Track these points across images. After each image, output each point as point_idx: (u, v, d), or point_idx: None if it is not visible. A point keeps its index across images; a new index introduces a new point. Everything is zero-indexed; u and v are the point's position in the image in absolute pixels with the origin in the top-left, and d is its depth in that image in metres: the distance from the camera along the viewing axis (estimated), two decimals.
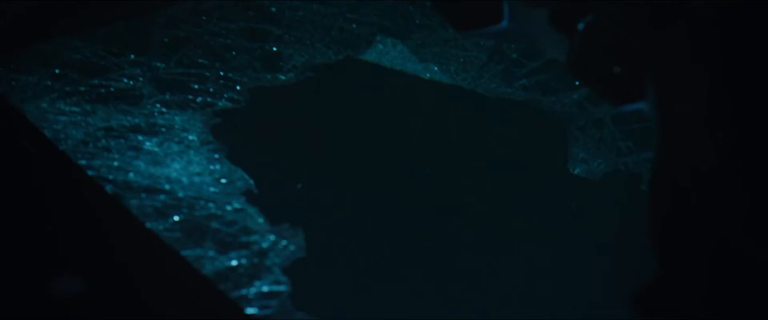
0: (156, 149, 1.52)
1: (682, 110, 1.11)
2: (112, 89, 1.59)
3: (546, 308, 1.39)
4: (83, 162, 1.46)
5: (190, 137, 1.55)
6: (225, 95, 1.63)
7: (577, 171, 1.61)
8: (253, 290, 1.33)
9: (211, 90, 1.63)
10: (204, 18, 1.73)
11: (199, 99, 1.61)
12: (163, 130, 1.55)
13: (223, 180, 1.49)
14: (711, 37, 1.10)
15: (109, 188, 1.42)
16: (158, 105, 1.58)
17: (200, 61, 1.67)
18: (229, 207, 1.44)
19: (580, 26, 1.25)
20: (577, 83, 1.67)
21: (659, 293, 1.12)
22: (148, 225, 1.37)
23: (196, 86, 1.63)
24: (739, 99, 1.08)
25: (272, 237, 1.40)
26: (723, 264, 1.05)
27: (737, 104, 1.08)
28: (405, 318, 1.35)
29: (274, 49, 1.71)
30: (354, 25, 1.77)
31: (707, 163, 1.07)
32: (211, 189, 1.47)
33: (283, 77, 1.68)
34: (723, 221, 1.05)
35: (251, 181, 1.50)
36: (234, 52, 1.69)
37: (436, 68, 1.72)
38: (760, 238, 1.05)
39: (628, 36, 1.23)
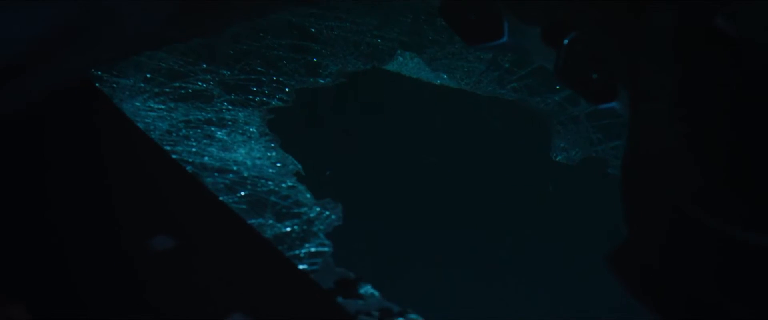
0: (225, 138, 1.52)
1: (648, 108, 1.12)
2: (189, 90, 1.60)
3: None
4: (168, 147, 1.47)
5: (251, 129, 1.55)
6: (277, 96, 1.63)
7: (558, 158, 1.60)
8: (303, 251, 1.33)
9: (266, 91, 1.63)
10: (260, 35, 1.72)
11: (257, 99, 1.61)
12: (230, 123, 1.55)
13: (278, 164, 1.49)
14: (669, 54, 1.11)
15: (189, 168, 1.43)
16: (225, 103, 1.59)
17: (257, 68, 1.67)
18: (283, 185, 1.45)
19: (565, 41, 1.26)
20: (557, 87, 1.66)
21: (627, 252, 1.13)
22: (220, 198, 1.37)
23: (254, 88, 1.63)
24: (690, 100, 1.09)
25: (317, 209, 1.41)
26: (678, 228, 1.06)
27: (690, 104, 1.09)
28: (423, 272, 1.35)
29: (315, 60, 1.71)
30: (379, 41, 1.76)
31: (665, 147, 1.08)
32: (269, 170, 1.47)
33: (322, 82, 1.68)
34: (678, 193, 1.06)
35: (299, 165, 1.50)
36: (284, 62, 1.69)
37: (445, 76, 1.71)
38: (706, 206, 1.05)
39: (603, 50, 1.25)
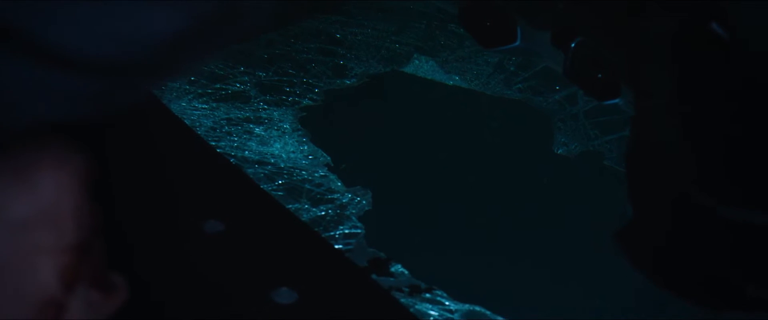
0: (262, 134, 1.54)
1: (650, 104, 1.14)
2: (229, 91, 1.62)
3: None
4: (213, 142, 1.49)
5: (285, 126, 1.57)
6: (307, 96, 1.65)
7: (559, 151, 1.63)
8: (337, 232, 1.35)
9: (297, 92, 1.65)
10: (292, 40, 1.74)
11: (289, 98, 1.63)
12: (266, 120, 1.58)
13: (310, 157, 1.51)
14: (668, 56, 1.13)
15: (232, 160, 1.45)
16: (261, 103, 1.61)
17: (289, 71, 1.69)
18: (316, 174, 1.47)
19: (572, 45, 1.29)
20: (557, 88, 1.69)
21: (634, 232, 1.15)
22: (261, 186, 1.39)
23: (287, 89, 1.65)
24: (688, 97, 1.11)
25: (349, 195, 1.43)
26: (679, 209, 1.08)
27: (687, 101, 1.11)
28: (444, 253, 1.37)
29: (341, 62, 1.73)
30: (397, 46, 1.78)
31: (665, 138, 1.10)
32: (303, 162, 1.50)
33: (347, 82, 1.70)
34: (678, 178, 1.08)
35: (328, 158, 1.52)
36: (313, 65, 1.71)
37: (457, 77, 1.73)
38: (705, 188, 1.06)
39: (606, 52, 1.27)
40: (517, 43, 1.33)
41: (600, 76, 1.26)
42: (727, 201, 1.06)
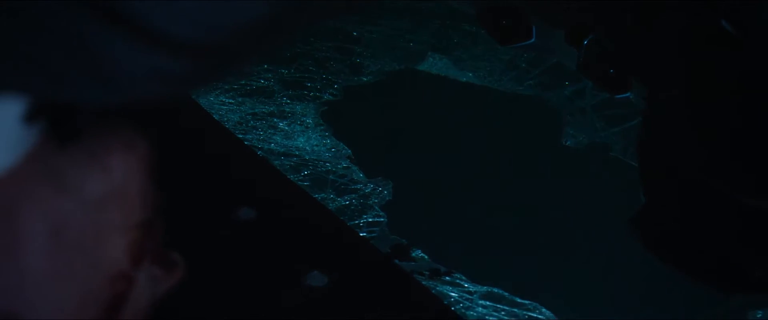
0: (286, 128, 1.56)
1: (662, 96, 1.15)
2: (254, 87, 1.63)
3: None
4: (240, 135, 1.51)
5: (308, 120, 1.59)
6: (327, 91, 1.66)
7: (568, 143, 1.64)
8: (362, 221, 1.37)
9: (318, 87, 1.66)
10: (312, 39, 1.76)
11: (311, 94, 1.65)
12: (290, 115, 1.59)
13: (333, 150, 1.53)
14: (680, 51, 1.15)
15: (259, 153, 1.47)
16: (284, 98, 1.62)
17: (310, 68, 1.70)
18: (340, 166, 1.48)
19: (585, 42, 1.30)
20: (567, 83, 1.70)
21: (646, 217, 1.16)
22: (289, 177, 1.41)
23: (309, 85, 1.66)
24: (698, 89, 1.13)
25: (371, 186, 1.44)
26: (690, 194, 1.10)
27: (698, 93, 1.13)
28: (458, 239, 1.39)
29: (358, 60, 1.74)
30: (411, 44, 1.80)
31: (677, 128, 1.11)
32: (326, 154, 1.51)
33: (365, 79, 1.72)
34: (688, 166, 1.09)
35: (349, 150, 1.53)
36: (332, 62, 1.72)
37: (470, 74, 1.74)
38: (716, 176, 1.07)
39: (618, 48, 1.29)
40: (533, 40, 1.35)
41: (612, 71, 1.28)
42: (737, 188, 1.08)
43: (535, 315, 1.28)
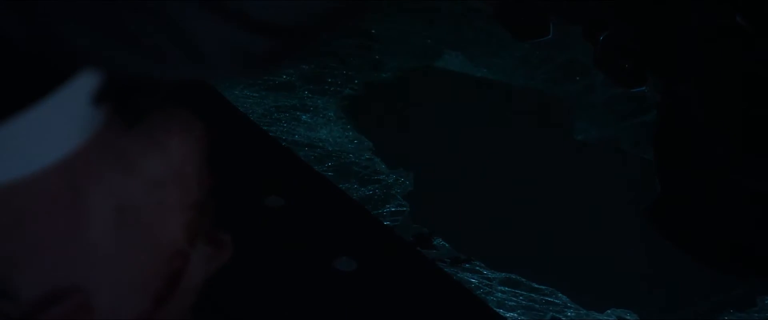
0: (309, 121, 1.57)
1: (678, 89, 1.17)
2: (277, 82, 1.64)
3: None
4: (265, 128, 1.52)
5: (329, 113, 1.60)
6: (348, 86, 1.67)
7: (579, 136, 1.65)
8: (385, 210, 1.38)
9: (339, 82, 1.67)
10: (332, 38, 1.77)
11: (331, 89, 1.65)
12: (312, 108, 1.60)
13: (355, 141, 1.54)
14: (697, 45, 1.16)
15: (284, 144, 1.48)
16: (306, 92, 1.63)
17: (331, 64, 1.71)
18: (362, 157, 1.49)
19: (601, 38, 1.32)
20: (577, 79, 1.70)
21: (663, 206, 1.18)
22: (314, 167, 1.42)
23: (330, 80, 1.67)
24: (714, 81, 1.14)
25: (394, 176, 1.45)
26: (707, 184, 1.11)
27: (713, 85, 1.14)
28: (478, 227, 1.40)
29: (377, 57, 1.75)
30: (429, 41, 1.81)
31: (693, 119, 1.13)
32: (349, 145, 1.52)
33: (384, 75, 1.72)
34: (705, 156, 1.11)
35: (370, 143, 1.54)
36: (352, 58, 1.73)
37: (485, 70, 1.75)
38: (732, 164, 1.08)
39: (633, 43, 1.30)
40: (550, 36, 1.36)
41: (627, 65, 1.29)
42: (752, 176, 1.09)
43: (551, 299, 1.29)
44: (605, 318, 1.27)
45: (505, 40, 1.71)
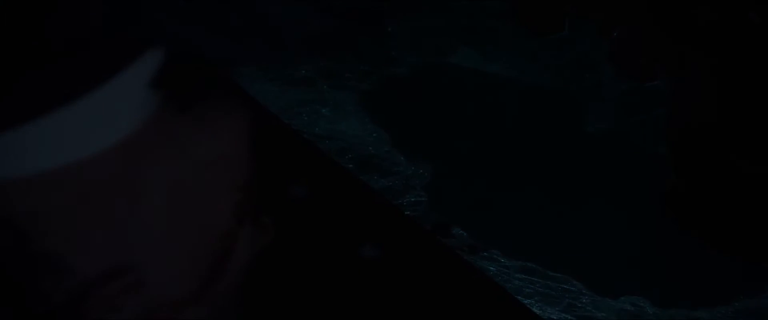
0: (329, 114, 1.57)
1: (691, 84, 1.17)
2: (296, 77, 1.65)
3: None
4: (287, 120, 1.52)
5: (348, 108, 1.60)
6: (366, 81, 1.67)
7: (589, 129, 1.65)
8: (405, 201, 1.39)
9: (357, 77, 1.68)
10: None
11: (350, 83, 1.66)
12: (331, 102, 1.61)
13: (374, 134, 1.54)
14: (710, 42, 1.17)
15: (306, 136, 1.48)
16: (325, 87, 1.64)
17: (349, 60, 1.71)
18: (382, 150, 1.50)
19: (615, 34, 1.32)
20: (588, 74, 1.71)
21: (678, 197, 1.18)
22: (334, 158, 1.43)
23: (348, 75, 1.67)
24: (726, 76, 1.15)
25: (412, 168, 1.46)
26: (721, 174, 1.12)
27: (726, 79, 1.15)
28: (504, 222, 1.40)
29: (393, 53, 1.75)
30: (443, 38, 1.80)
31: (706, 112, 1.13)
32: (368, 138, 1.53)
33: (400, 71, 1.72)
34: (717, 146, 1.11)
35: (389, 135, 1.54)
36: (369, 55, 1.73)
37: (498, 65, 1.75)
38: (745, 156, 1.09)
39: (647, 39, 1.30)
40: (565, 32, 1.36)
41: (641, 61, 1.29)
42: (765, 162, 1.09)
43: (567, 287, 1.30)
44: (619, 304, 1.28)
45: (519, 35, 1.71)
